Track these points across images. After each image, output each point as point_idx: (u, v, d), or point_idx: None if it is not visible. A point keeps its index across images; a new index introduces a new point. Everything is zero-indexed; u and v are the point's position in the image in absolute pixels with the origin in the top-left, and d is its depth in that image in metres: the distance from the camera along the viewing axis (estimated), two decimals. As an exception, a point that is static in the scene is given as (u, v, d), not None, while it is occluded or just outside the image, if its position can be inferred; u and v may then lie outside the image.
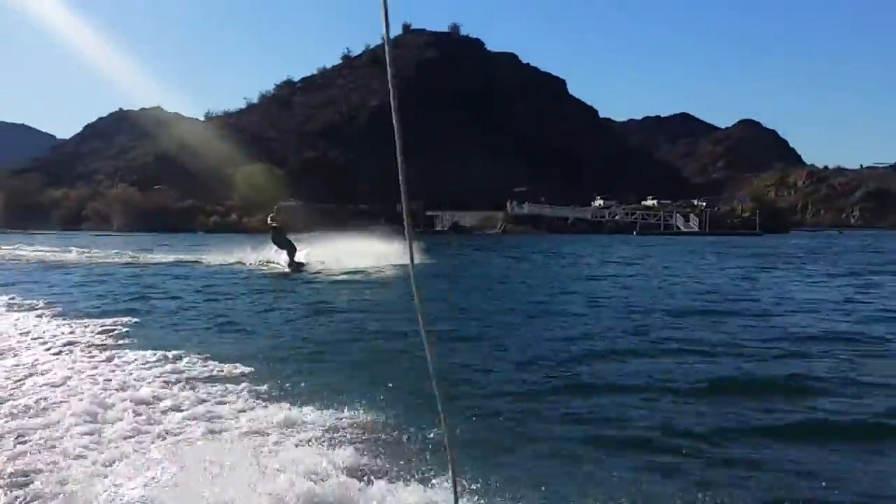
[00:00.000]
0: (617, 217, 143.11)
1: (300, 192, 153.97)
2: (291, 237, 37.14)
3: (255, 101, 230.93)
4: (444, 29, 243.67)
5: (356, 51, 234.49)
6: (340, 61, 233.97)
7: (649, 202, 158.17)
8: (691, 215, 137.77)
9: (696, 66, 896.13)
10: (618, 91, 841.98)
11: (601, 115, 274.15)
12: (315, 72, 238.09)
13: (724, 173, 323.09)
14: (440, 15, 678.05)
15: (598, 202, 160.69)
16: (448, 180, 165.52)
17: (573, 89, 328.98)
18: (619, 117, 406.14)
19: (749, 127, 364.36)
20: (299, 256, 34.71)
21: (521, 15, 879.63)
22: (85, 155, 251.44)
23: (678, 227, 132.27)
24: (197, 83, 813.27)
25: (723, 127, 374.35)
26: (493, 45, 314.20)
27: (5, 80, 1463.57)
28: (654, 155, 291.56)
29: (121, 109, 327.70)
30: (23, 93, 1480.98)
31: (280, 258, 34.86)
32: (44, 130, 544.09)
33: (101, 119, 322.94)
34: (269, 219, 35.55)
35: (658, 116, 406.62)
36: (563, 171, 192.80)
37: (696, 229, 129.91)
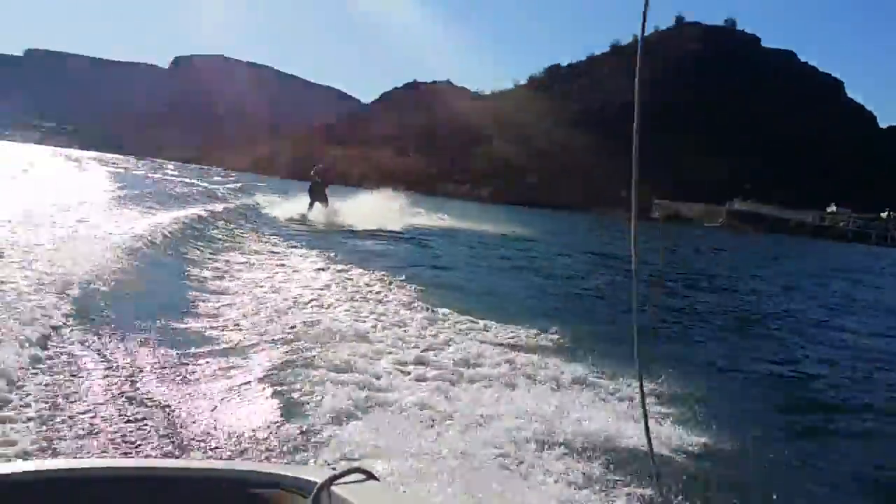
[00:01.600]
0: (842, 224, 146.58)
1: (538, 170, 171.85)
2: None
3: (522, 81, 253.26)
4: (720, 23, 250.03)
5: (625, 40, 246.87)
6: (608, 49, 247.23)
7: (884, 214, 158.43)
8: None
9: None
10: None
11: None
12: (583, 58, 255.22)
13: None
14: (719, 9, 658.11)
15: (832, 208, 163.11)
16: (687, 171, 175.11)
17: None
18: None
19: None
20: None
21: (812, 10, 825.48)
22: (372, 120, 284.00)
23: (893, 238, 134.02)
24: (488, 60, 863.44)
25: None
26: (771, 41, 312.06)
27: (323, 46, 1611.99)
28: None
29: (415, 81, 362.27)
30: (338, 59, 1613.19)
31: (312, 209, 35.78)
32: (353, 95, 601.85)
33: (396, 89, 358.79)
34: (312, 171, 38.21)
35: None
36: (810, 173, 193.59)
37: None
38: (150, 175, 63.04)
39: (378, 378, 7.76)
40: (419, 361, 8.74)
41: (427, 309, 12.26)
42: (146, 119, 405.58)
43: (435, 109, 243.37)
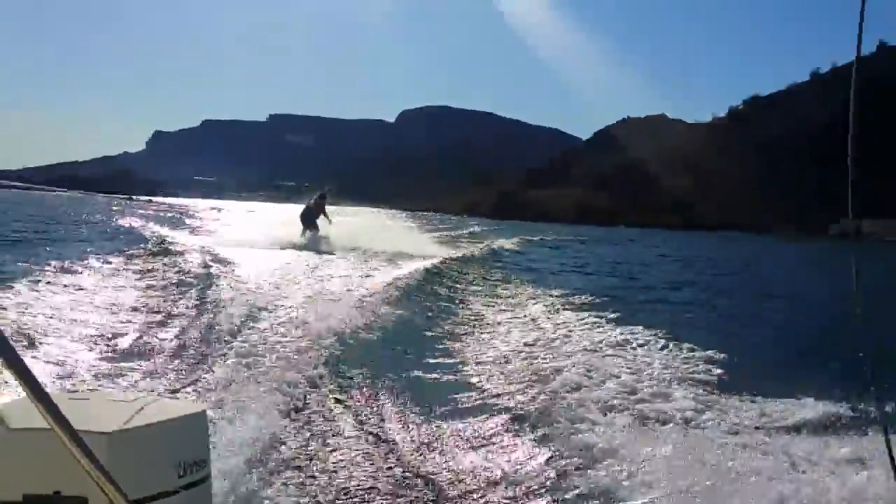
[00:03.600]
0: None
1: (731, 201, 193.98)
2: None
3: (722, 114, 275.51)
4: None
5: (824, 68, 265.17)
6: (808, 78, 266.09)
7: None
8: None
9: None
10: None
11: None
12: (783, 87, 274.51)
13: None
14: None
15: None
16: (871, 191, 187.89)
17: None
18: None
19: None
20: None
21: None
22: (578, 159, 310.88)
23: None
24: (704, 90, 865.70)
25: None
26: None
27: (543, 88, 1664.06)
28: None
29: (627, 118, 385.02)
30: (556, 101, 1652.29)
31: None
32: (572, 133, 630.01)
33: (608, 126, 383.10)
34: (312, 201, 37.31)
35: None
36: None
37: None
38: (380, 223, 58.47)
39: (634, 425, 7.52)
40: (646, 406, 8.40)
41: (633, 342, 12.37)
42: (376, 170, 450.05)
43: (631, 144, 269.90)
